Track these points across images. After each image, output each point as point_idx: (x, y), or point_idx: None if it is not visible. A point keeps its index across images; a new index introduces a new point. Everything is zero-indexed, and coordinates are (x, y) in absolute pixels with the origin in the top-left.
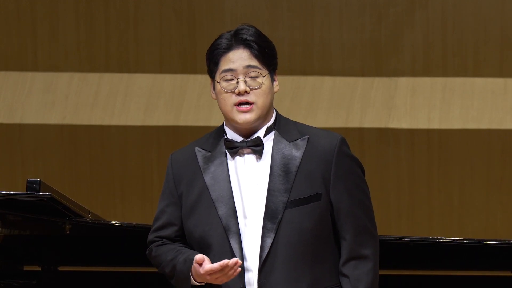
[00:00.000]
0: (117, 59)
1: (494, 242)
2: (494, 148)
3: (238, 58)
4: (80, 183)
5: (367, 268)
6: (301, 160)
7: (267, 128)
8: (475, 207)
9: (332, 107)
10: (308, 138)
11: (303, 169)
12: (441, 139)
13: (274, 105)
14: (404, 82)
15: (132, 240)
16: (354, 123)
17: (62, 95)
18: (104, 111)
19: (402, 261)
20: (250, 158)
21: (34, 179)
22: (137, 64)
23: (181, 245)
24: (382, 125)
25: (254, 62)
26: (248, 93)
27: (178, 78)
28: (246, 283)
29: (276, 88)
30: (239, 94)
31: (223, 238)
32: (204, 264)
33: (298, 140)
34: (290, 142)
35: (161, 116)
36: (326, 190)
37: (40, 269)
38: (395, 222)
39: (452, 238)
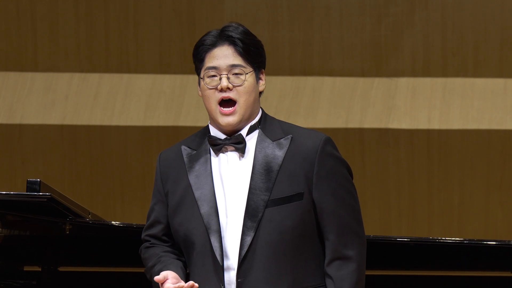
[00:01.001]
0: (117, 59)
1: (494, 242)
2: (494, 148)
3: (222, 55)
4: (80, 183)
5: (351, 269)
6: (283, 159)
7: (251, 126)
8: (475, 207)
9: (332, 107)
10: (292, 137)
11: (286, 168)
12: (441, 139)
13: (274, 106)
14: (404, 82)
15: (132, 240)
16: (354, 123)
17: (62, 95)
18: (104, 111)
19: (402, 261)
20: (233, 156)
21: (34, 180)
22: (137, 64)
23: (165, 249)
24: (382, 125)
25: (238, 60)
26: (231, 89)
27: (178, 78)
28: (226, 282)
29: (262, 87)
30: (221, 90)
31: (204, 237)
32: (165, 284)
33: (282, 139)
34: (273, 141)
35: (161, 116)
36: (308, 190)
37: (40, 269)
38: (395, 222)
39: (452, 238)
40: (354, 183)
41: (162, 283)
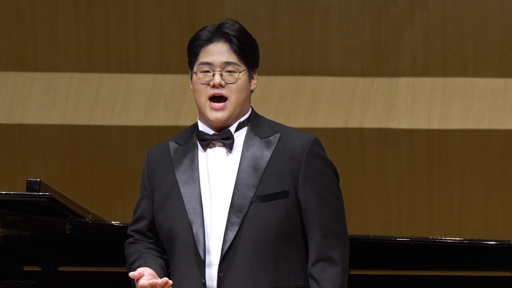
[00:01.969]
0: (117, 59)
1: (494, 242)
2: (494, 148)
3: (217, 51)
4: (80, 183)
5: (335, 271)
6: (270, 157)
7: (240, 123)
8: (475, 207)
9: (332, 107)
10: (280, 136)
11: (272, 166)
12: (441, 139)
13: (274, 106)
14: (404, 82)
15: None
16: (354, 123)
17: (62, 95)
18: (104, 111)
19: (402, 261)
20: (220, 151)
21: (34, 179)
22: (137, 64)
23: (148, 246)
24: (382, 125)
25: (233, 58)
26: (223, 86)
27: (178, 78)
28: (207, 278)
29: (253, 86)
30: (214, 86)
31: (188, 232)
32: (140, 280)
33: (270, 137)
34: (261, 138)
35: (161, 116)
36: (294, 189)
37: (40, 269)
38: (395, 222)
39: (452, 238)
40: (354, 183)
41: (137, 279)
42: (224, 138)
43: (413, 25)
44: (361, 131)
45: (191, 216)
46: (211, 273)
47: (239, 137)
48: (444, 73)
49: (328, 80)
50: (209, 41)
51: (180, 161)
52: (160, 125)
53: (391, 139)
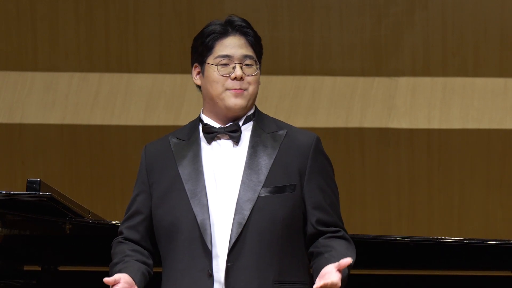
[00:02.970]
0: (117, 59)
1: (494, 242)
2: (494, 148)
3: (235, 44)
4: (80, 183)
5: (351, 246)
6: (278, 150)
7: (247, 117)
8: (475, 207)
9: (332, 107)
10: (286, 131)
11: (279, 160)
12: (441, 139)
13: (274, 106)
14: (404, 82)
15: None
16: (354, 123)
17: (62, 95)
18: (104, 111)
19: (402, 261)
20: (226, 144)
21: (34, 179)
22: (137, 64)
23: (134, 248)
24: (382, 125)
25: (250, 51)
26: (243, 79)
27: (178, 78)
28: (214, 269)
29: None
30: (234, 79)
31: (193, 225)
32: (115, 287)
33: (277, 132)
34: (268, 133)
35: (161, 116)
36: (300, 183)
37: (40, 269)
38: (395, 222)
39: (452, 238)
40: (354, 182)
41: (113, 286)
42: (231, 130)
43: (413, 25)
44: (361, 130)
45: (196, 208)
46: (218, 264)
47: (246, 130)
48: (444, 73)
49: (328, 80)
50: (225, 34)
51: (182, 155)
52: (160, 125)
53: (391, 139)
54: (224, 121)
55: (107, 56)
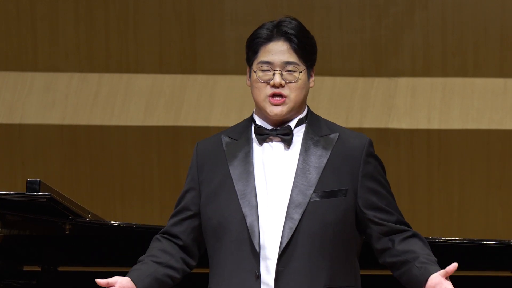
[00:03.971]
0: (117, 59)
1: (494, 242)
2: (494, 148)
3: (277, 51)
4: (80, 183)
5: (426, 243)
6: (330, 154)
7: (299, 120)
8: (475, 207)
9: (332, 107)
10: (339, 135)
11: (331, 164)
12: (441, 139)
13: None
14: (404, 82)
15: (132, 240)
16: (354, 123)
17: (62, 95)
18: (104, 111)
19: None
20: (278, 146)
21: (34, 179)
22: (137, 64)
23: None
24: (382, 125)
25: (293, 57)
26: (283, 86)
27: (178, 78)
28: (262, 271)
29: (311, 84)
30: (273, 86)
31: (242, 225)
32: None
33: (329, 136)
34: (320, 136)
35: (161, 116)
36: (353, 188)
37: (40, 269)
38: None
39: (452, 238)
40: None
41: None
42: (283, 133)
43: (413, 25)
44: (361, 131)
45: (245, 209)
46: (267, 267)
47: (298, 133)
48: (444, 73)
49: (328, 80)
50: (269, 39)
51: (234, 155)
52: (159, 125)
53: (391, 139)
54: (275, 124)
55: (107, 56)
